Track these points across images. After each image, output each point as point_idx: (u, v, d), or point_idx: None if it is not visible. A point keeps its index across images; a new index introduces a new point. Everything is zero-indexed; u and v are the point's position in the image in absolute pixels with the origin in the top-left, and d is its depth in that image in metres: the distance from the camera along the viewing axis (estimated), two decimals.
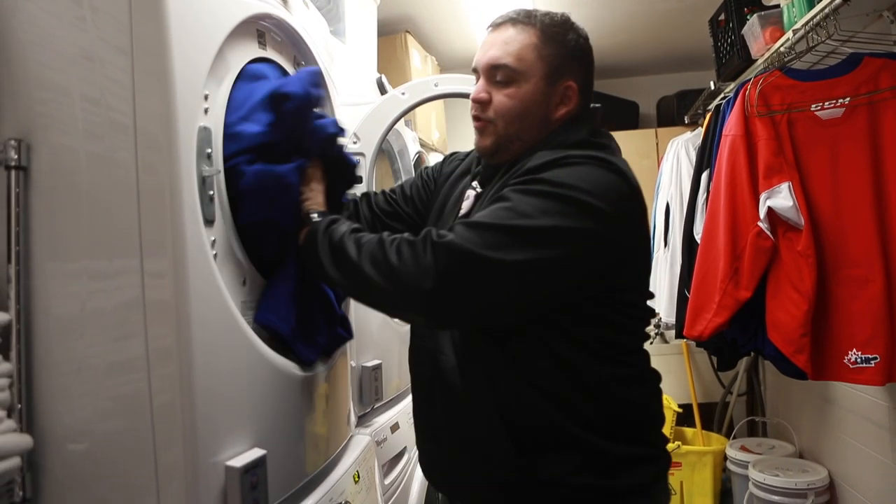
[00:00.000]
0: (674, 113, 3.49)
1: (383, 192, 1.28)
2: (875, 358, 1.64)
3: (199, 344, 0.78)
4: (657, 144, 3.47)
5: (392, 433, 1.59)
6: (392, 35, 2.67)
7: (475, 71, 1.08)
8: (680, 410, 2.92)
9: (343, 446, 1.22)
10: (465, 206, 1.10)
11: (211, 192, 0.84)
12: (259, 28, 1.02)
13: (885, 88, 1.64)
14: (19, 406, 0.76)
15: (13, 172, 0.77)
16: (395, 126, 1.61)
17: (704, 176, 2.16)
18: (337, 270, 0.93)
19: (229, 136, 0.92)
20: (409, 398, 1.79)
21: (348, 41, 1.89)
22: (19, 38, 0.79)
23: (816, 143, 1.74)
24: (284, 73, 1.09)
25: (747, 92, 1.83)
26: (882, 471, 2.00)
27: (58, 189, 0.79)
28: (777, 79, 1.80)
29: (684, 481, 2.75)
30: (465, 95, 1.53)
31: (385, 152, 2.09)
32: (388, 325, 1.68)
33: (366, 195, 1.27)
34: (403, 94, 1.52)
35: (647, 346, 1.08)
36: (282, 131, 0.97)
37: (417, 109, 1.68)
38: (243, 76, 0.97)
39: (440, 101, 2.70)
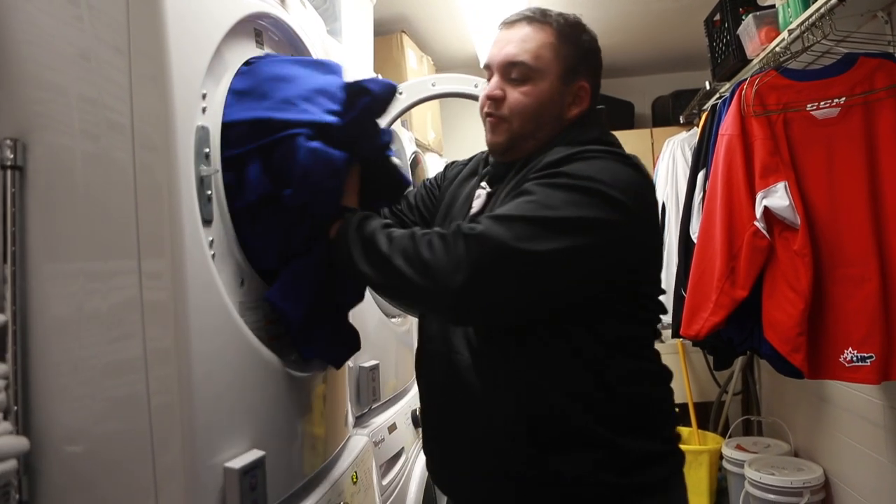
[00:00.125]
0: (669, 113, 3.50)
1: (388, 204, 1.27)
2: (871, 356, 1.64)
3: (197, 344, 0.78)
4: (652, 144, 3.48)
5: (390, 434, 1.59)
6: (388, 35, 2.66)
7: (487, 68, 1.08)
8: (676, 410, 2.93)
9: (341, 447, 1.22)
10: (477, 204, 1.09)
11: (209, 192, 0.84)
12: (256, 27, 1.02)
13: (881, 88, 1.65)
14: (15, 408, 0.76)
15: (9, 172, 0.77)
16: (392, 126, 1.61)
17: (701, 175, 2.17)
18: (367, 264, 0.92)
19: (284, 101, 0.91)
20: (407, 398, 1.80)
21: (345, 41, 1.88)
22: (15, 37, 0.78)
23: (812, 142, 1.75)
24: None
25: (743, 91, 1.83)
26: (877, 469, 2.01)
27: (54, 189, 0.78)
28: (773, 78, 1.81)
29: None
30: (463, 95, 1.54)
31: None
32: (385, 326, 1.68)
33: None
34: (401, 93, 1.52)
35: None
36: (350, 122, 0.95)
37: (413, 110, 1.67)
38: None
39: (436, 102, 2.69)
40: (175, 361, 0.76)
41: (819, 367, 1.73)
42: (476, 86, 1.49)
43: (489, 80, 1.08)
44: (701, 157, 2.20)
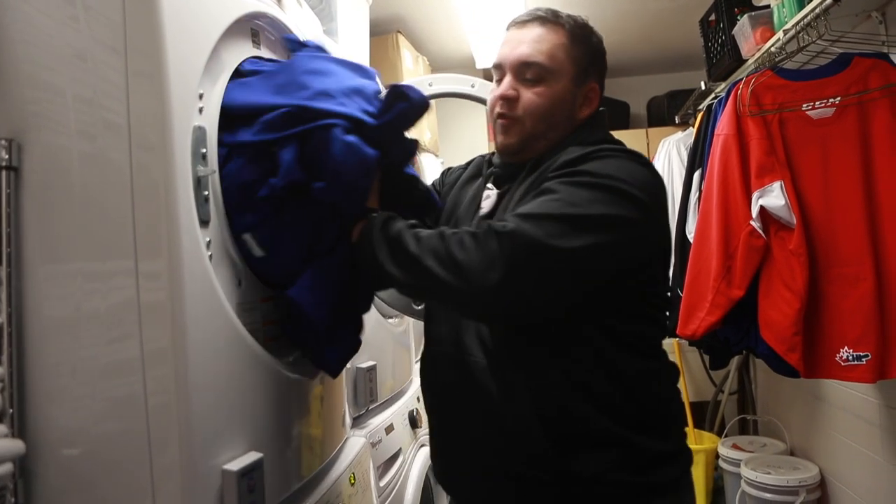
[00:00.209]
0: (664, 113, 3.51)
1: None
2: (866, 355, 1.65)
3: (194, 345, 0.77)
4: (647, 144, 3.48)
5: (387, 434, 1.58)
6: (384, 35, 2.66)
7: (497, 68, 1.07)
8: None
9: (338, 448, 1.22)
10: (487, 204, 1.08)
11: (206, 193, 0.83)
12: (253, 27, 1.01)
13: (875, 88, 1.66)
14: (11, 411, 0.75)
15: (4, 173, 0.76)
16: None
17: (696, 175, 2.17)
18: (395, 265, 0.91)
19: (322, 93, 0.90)
20: (404, 399, 1.80)
21: (340, 41, 1.88)
22: (11, 36, 0.77)
23: (808, 142, 1.75)
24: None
25: (739, 91, 1.84)
26: (873, 467, 2.02)
27: (50, 190, 0.77)
28: (768, 79, 1.81)
29: None
30: (461, 95, 1.53)
31: None
32: (382, 327, 1.67)
33: None
34: None
35: None
36: (385, 124, 0.94)
37: None
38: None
39: (432, 102, 2.69)
40: (172, 362, 0.75)
41: (815, 367, 1.73)
42: (473, 86, 1.48)
43: (498, 80, 1.07)
44: (697, 157, 2.20)
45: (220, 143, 0.87)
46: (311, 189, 0.90)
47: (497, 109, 1.06)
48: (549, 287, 0.89)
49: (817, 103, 1.73)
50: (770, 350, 1.76)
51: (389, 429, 1.61)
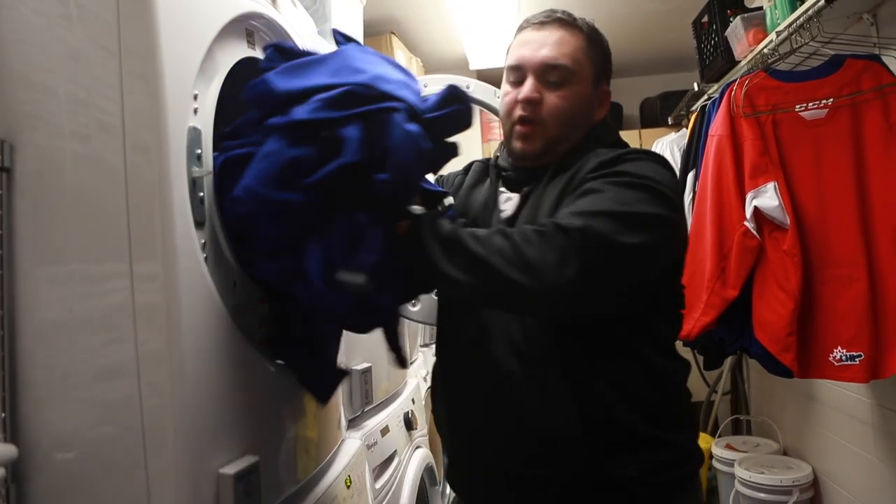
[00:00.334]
0: (657, 114, 3.53)
1: None
2: (859, 355, 1.66)
3: (189, 348, 0.76)
4: (640, 146, 3.49)
5: (382, 437, 1.58)
6: (377, 36, 2.66)
7: (516, 69, 1.05)
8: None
9: (334, 451, 1.21)
10: (510, 206, 1.06)
11: (201, 194, 0.83)
12: (248, 27, 1.01)
13: (867, 90, 1.67)
14: (3, 415, 0.74)
15: None
16: None
17: (690, 176, 2.18)
18: (454, 267, 0.85)
19: (380, 77, 0.85)
20: (399, 401, 1.79)
21: (334, 42, 1.87)
22: (3, 36, 0.76)
23: (801, 143, 1.77)
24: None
25: (733, 93, 1.85)
26: (866, 467, 2.03)
27: (43, 191, 0.76)
28: (762, 80, 1.82)
29: None
30: None
31: None
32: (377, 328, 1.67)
33: None
34: None
35: None
36: (438, 119, 0.88)
37: None
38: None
39: None
40: (168, 364, 0.75)
41: (809, 367, 1.74)
42: (468, 87, 1.48)
43: (514, 82, 1.05)
44: (690, 158, 2.21)
45: (263, 127, 0.83)
46: (372, 183, 0.81)
47: (518, 112, 1.03)
48: (617, 282, 0.89)
49: (810, 104, 1.75)
50: (764, 350, 1.77)
51: (385, 431, 1.60)
